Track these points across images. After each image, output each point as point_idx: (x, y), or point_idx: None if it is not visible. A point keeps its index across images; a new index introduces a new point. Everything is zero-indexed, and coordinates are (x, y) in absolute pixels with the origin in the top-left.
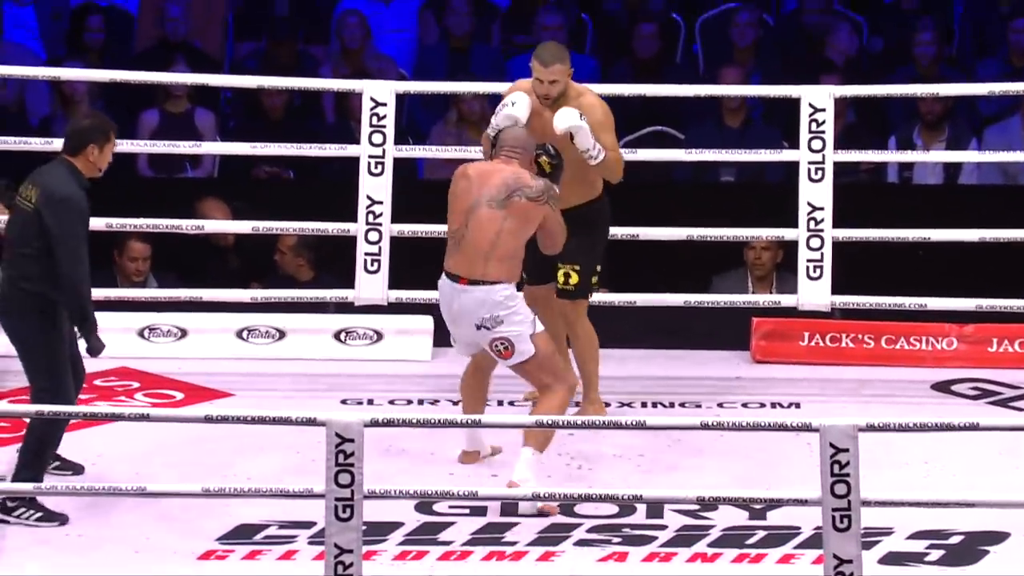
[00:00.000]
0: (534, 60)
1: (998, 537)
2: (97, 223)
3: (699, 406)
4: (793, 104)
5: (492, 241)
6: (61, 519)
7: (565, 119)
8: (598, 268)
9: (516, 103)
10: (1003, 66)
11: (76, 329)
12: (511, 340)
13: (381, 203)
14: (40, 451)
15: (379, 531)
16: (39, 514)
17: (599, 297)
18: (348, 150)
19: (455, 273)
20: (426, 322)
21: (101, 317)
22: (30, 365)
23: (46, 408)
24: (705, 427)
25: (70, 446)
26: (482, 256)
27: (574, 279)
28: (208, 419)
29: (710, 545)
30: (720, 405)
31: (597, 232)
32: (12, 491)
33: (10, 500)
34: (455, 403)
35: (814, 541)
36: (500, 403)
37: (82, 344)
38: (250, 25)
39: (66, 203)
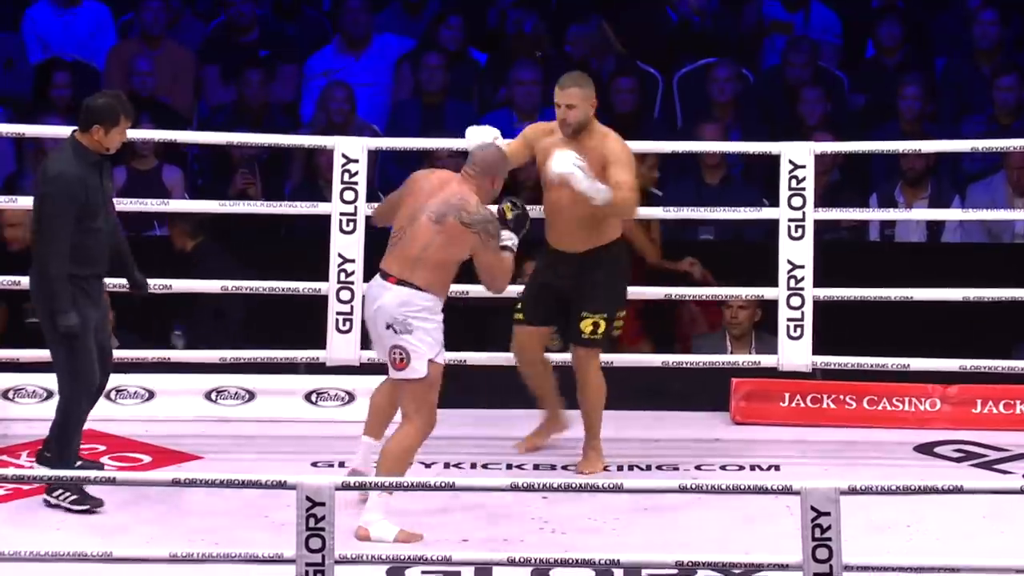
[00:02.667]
0: (557, 86)
1: None
2: None
3: (677, 468)
4: (773, 161)
5: (421, 249)
6: (95, 503)
7: (559, 163)
8: (621, 314)
9: (486, 129)
10: (988, 124)
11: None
12: (410, 353)
13: (353, 261)
14: (65, 426)
15: None
16: (75, 497)
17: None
18: (320, 207)
19: (386, 271)
20: None
21: None
22: (50, 349)
23: (28, 474)
24: (684, 490)
25: (33, 511)
26: (411, 261)
27: (602, 328)
28: (176, 483)
29: None
30: (699, 467)
31: (619, 276)
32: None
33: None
34: (427, 465)
35: None
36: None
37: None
38: (218, 79)
39: (54, 181)
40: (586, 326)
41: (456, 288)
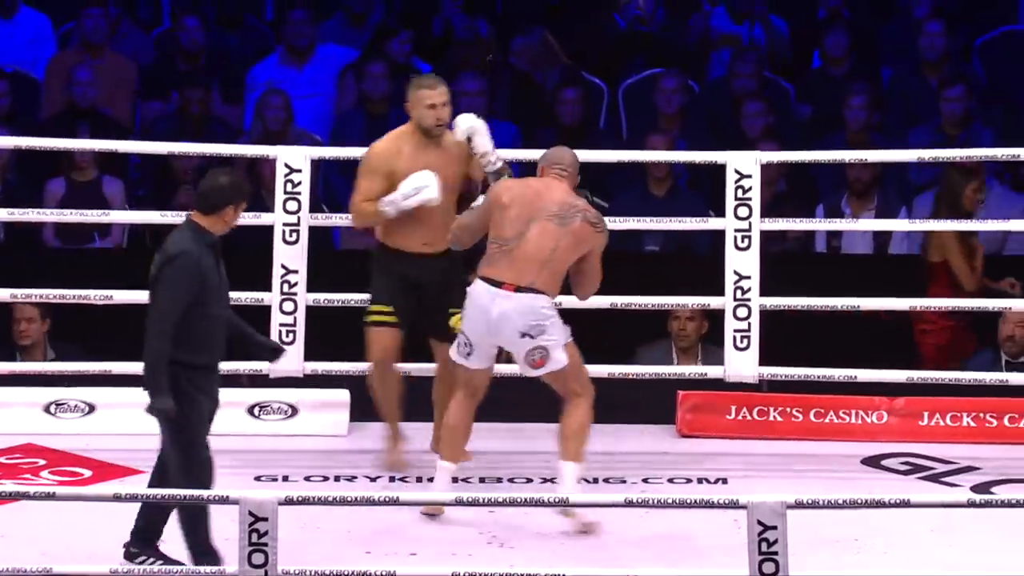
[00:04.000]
0: (419, 90)
1: None
2: (2, 294)
3: (624, 482)
4: (719, 171)
5: (548, 254)
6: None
7: (464, 121)
8: None
9: (430, 186)
10: (935, 134)
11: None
12: (548, 349)
13: (296, 272)
14: (187, 520)
15: None
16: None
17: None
18: (262, 218)
19: (498, 279)
20: (342, 395)
21: (3, 393)
22: (166, 437)
23: None
24: (630, 504)
25: None
26: (535, 266)
27: None
28: (117, 498)
29: None
30: (646, 480)
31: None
32: None
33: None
34: (372, 479)
35: None
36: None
37: None
38: (160, 88)
39: (175, 260)
40: (456, 321)
41: None
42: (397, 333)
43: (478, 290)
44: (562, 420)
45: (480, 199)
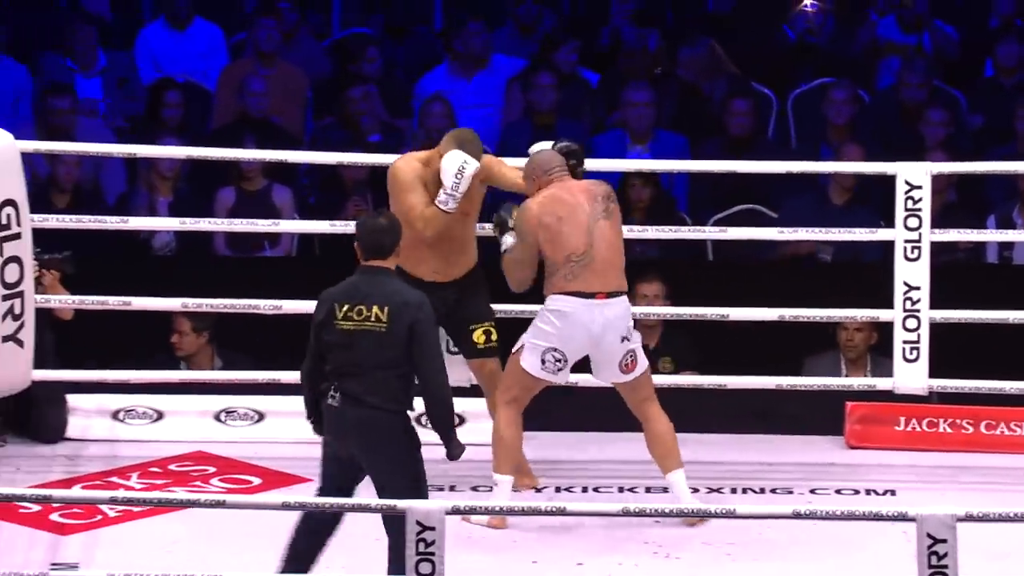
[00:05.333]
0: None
1: None
2: (173, 303)
3: (791, 492)
4: (889, 181)
5: (619, 251)
6: None
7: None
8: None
9: (467, 161)
10: None
11: (440, 436)
12: (637, 352)
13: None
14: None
15: None
16: None
17: (687, 379)
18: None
19: (589, 291)
20: None
21: (175, 401)
22: (397, 487)
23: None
24: (797, 516)
25: (142, 533)
26: (615, 268)
27: (495, 335)
28: (286, 506)
29: None
30: (813, 492)
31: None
32: None
33: None
34: (538, 490)
35: None
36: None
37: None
38: (330, 98)
39: (424, 308)
40: (480, 336)
41: None
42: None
43: (571, 306)
44: (656, 429)
45: (508, 238)
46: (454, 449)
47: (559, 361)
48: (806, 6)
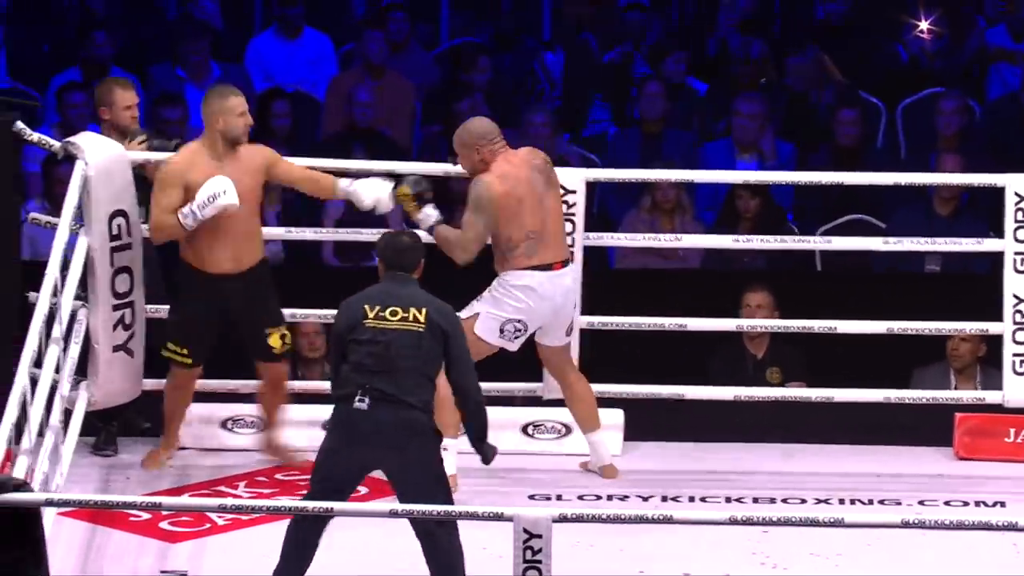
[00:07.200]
0: (227, 98)
1: None
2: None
3: (899, 503)
4: (1000, 193)
5: (562, 218)
6: None
7: (368, 191)
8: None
9: (227, 191)
10: None
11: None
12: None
13: None
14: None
15: None
16: None
17: (795, 392)
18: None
19: (548, 263)
20: (616, 416)
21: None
22: (429, 494)
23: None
24: (906, 525)
25: (250, 541)
26: (562, 235)
27: (289, 339)
28: (392, 514)
29: None
30: (921, 503)
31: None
32: None
33: None
34: (645, 499)
35: None
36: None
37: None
38: (438, 108)
39: (455, 314)
40: (277, 341)
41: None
42: (193, 372)
43: (537, 280)
44: (580, 388)
45: (429, 210)
46: (488, 452)
47: (519, 332)
48: (921, 32)
